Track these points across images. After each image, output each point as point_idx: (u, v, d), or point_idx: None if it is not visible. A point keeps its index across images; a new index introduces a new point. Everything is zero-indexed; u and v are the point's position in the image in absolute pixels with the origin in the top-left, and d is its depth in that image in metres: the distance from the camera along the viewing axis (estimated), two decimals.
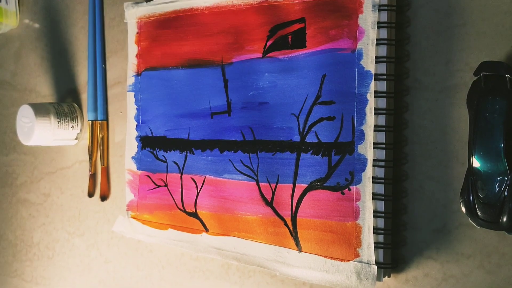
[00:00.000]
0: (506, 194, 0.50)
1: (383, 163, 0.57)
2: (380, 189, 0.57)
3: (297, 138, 0.63)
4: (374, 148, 0.58)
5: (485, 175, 0.51)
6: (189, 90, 0.73)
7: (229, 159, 0.68)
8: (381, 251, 0.58)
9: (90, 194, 0.88)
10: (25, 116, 0.86)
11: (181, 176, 0.74)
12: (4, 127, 1.02)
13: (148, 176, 0.78)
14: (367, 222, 0.58)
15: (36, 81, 0.96)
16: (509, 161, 0.50)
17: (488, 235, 0.54)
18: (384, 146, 0.57)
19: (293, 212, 0.63)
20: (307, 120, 0.62)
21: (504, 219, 0.50)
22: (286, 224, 0.64)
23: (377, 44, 0.57)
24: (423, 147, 0.57)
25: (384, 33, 0.57)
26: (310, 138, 0.62)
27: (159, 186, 0.76)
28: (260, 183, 0.66)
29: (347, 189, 0.59)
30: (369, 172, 0.58)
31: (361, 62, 0.58)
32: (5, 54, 1.02)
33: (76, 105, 0.89)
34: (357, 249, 0.58)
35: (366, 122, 0.58)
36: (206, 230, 0.71)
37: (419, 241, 0.57)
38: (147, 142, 0.78)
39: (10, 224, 1.01)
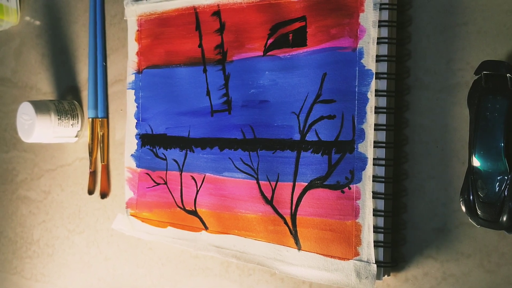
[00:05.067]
0: (506, 194, 0.50)
1: (383, 162, 0.57)
2: (380, 187, 0.57)
3: (297, 137, 0.63)
4: (374, 147, 0.58)
5: (485, 174, 0.51)
6: (190, 88, 0.73)
7: (229, 157, 0.68)
8: (381, 249, 0.58)
9: (90, 192, 0.88)
10: (25, 113, 0.86)
11: (180, 174, 0.74)
12: (4, 124, 1.02)
13: (147, 174, 0.78)
14: (367, 220, 0.58)
15: (36, 79, 0.96)
16: (509, 161, 0.50)
17: (488, 234, 0.54)
18: (384, 145, 0.57)
19: (293, 211, 0.63)
20: (307, 118, 0.62)
21: (504, 219, 0.50)
22: (285, 223, 0.64)
23: (378, 43, 0.57)
24: (423, 146, 0.57)
25: (385, 32, 0.57)
26: (311, 137, 0.62)
27: (158, 184, 0.76)
28: (260, 182, 0.66)
29: (347, 187, 0.59)
30: (369, 171, 0.58)
31: (362, 61, 0.58)
32: (6, 51, 1.01)
33: (76, 103, 0.89)
34: (357, 247, 0.58)
35: (367, 121, 0.58)
36: (206, 228, 0.71)
37: (419, 240, 0.57)
38: (147, 140, 0.78)
39: (10, 221, 1.01)
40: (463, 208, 0.53)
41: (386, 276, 0.58)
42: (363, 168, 0.58)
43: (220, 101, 0.70)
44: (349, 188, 0.59)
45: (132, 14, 0.79)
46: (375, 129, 0.58)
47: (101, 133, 0.86)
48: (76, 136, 0.89)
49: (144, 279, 0.81)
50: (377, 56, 0.57)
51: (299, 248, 0.63)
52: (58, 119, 0.86)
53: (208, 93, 0.71)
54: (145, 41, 0.78)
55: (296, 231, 0.63)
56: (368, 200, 0.58)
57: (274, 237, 0.65)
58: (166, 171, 0.75)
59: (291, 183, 0.63)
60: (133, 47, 0.79)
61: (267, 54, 0.65)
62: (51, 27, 0.94)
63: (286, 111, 0.64)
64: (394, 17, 0.58)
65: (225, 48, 0.69)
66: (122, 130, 0.84)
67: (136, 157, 0.79)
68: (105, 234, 0.87)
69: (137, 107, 0.79)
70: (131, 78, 0.80)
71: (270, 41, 0.65)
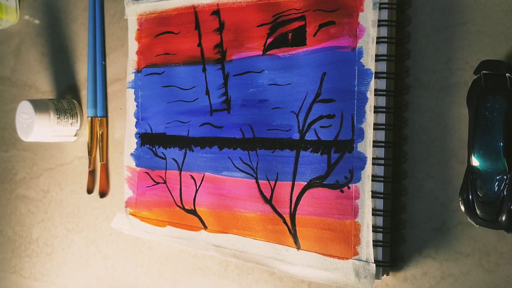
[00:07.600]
0: (505, 193, 0.50)
1: (382, 161, 0.57)
2: (380, 187, 0.57)
3: (296, 136, 0.63)
4: (373, 146, 0.58)
5: (485, 174, 0.51)
6: (190, 87, 0.73)
7: (228, 157, 0.68)
8: (380, 249, 0.58)
9: (89, 191, 0.88)
10: (24, 112, 0.86)
11: (180, 173, 0.74)
12: (3, 123, 1.02)
13: (147, 173, 0.78)
14: (366, 220, 0.58)
15: (36, 77, 0.96)
16: (508, 160, 0.50)
17: (487, 234, 0.54)
18: (383, 144, 0.57)
19: (292, 210, 0.63)
20: (306, 118, 0.62)
21: (503, 218, 0.50)
22: (285, 222, 0.64)
23: (377, 42, 0.57)
24: (422, 146, 0.57)
25: (384, 31, 0.57)
26: (310, 136, 0.62)
27: (158, 183, 0.76)
28: (259, 181, 0.66)
29: (346, 187, 0.59)
30: (368, 170, 0.58)
31: (361, 60, 0.58)
32: (5, 50, 1.01)
33: (75, 102, 0.89)
34: (356, 247, 0.58)
35: (366, 120, 0.58)
36: (205, 227, 0.71)
37: (418, 240, 0.57)
38: (146, 139, 0.78)
39: (9, 220, 1.01)
40: (462, 208, 0.53)
41: (385, 275, 0.58)
42: (362, 168, 0.58)
43: (219, 100, 0.70)
44: (348, 188, 0.59)
45: (133, 13, 0.79)
46: (374, 129, 0.58)
47: (100, 132, 0.86)
48: (75, 135, 0.89)
49: (143, 278, 0.81)
50: (376, 55, 0.57)
51: (298, 248, 0.63)
52: (57, 118, 0.86)
53: (207, 92, 0.71)
54: (145, 40, 0.78)
55: (295, 231, 0.63)
56: (367, 200, 0.58)
57: (273, 237, 0.65)
58: (166, 170, 0.75)
59: (290, 183, 0.63)
60: (133, 46, 0.79)
61: (267, 53, 0.65)
62: (50, 26, 0.94)
63: (286, 111, 0.64)
64: (394, 17, 0.58)
65: (225, 47, 0.69)
66: (122, 129, 0.84)
67: (136, 156, 0.79)
68: (104, 233, 0.87)
69: (136, 106, 0.79)
70: (130, 77, 0.80)
71: (269, 40, 0.65)
